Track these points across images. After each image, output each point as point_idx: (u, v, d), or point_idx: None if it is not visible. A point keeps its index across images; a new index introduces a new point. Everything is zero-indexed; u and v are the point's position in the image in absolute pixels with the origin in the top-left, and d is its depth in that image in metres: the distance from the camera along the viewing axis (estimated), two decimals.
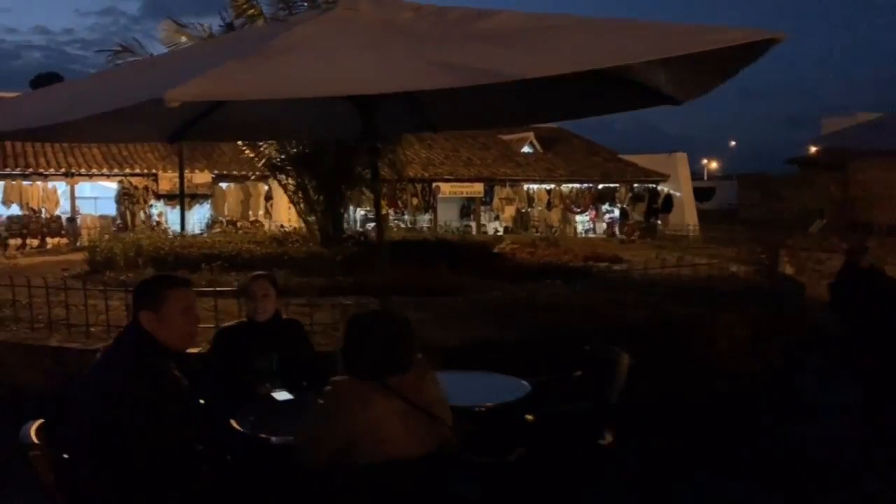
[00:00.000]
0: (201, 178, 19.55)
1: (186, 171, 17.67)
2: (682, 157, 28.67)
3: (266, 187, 21.12)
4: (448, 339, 5.10)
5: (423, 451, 2.34)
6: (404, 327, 2.51)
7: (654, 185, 27.51)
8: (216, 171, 20.31)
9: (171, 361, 2.75)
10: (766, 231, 16.45)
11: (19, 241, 17.60)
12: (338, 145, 9.91)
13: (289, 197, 11.84)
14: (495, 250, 11.30)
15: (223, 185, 20.75)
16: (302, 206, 10.95)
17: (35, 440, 2.59)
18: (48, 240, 17.99)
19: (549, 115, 3.61)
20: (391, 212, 21.91)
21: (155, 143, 20.62)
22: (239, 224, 20.25)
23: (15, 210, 18.20)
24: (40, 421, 2.76)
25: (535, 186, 25.67)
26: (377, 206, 3.78)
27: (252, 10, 9.82)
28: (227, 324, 3.73)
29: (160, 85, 1.70)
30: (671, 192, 27.49)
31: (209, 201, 20.41)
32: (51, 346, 5.40)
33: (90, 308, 6.09)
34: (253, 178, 20.23)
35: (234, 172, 20.79)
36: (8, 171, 17.73)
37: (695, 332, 5.24)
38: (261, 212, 21.28)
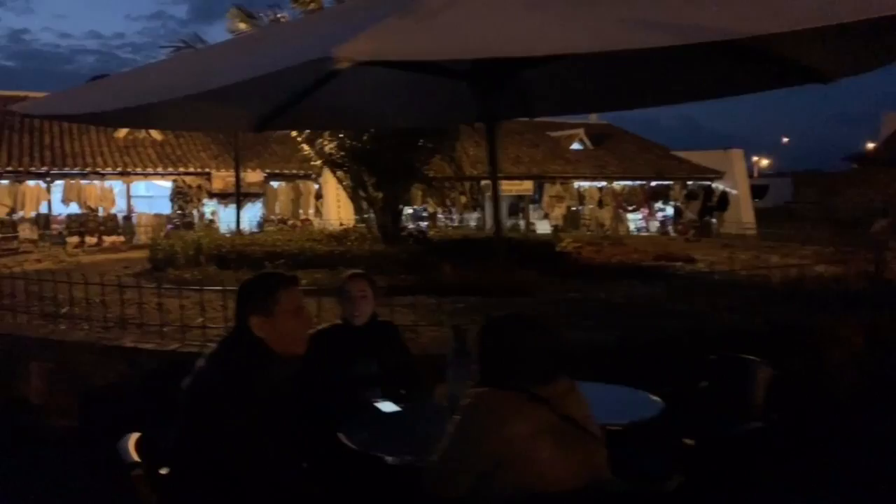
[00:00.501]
0: (253, 176, 19.58)
1: (241, 170, 17.70)
2: (738, 154, 27.78)
3: (316, 186, 21.12)
4: None
5: (577, 473, 2.03)
6: (550, 330, 2.21)
7: (708, 183, 26.69)
8: (268, 170, 20.36)
9: (282, 370, 2.51)
10: (821, 229, 15.70)
11: (77, 239, 17.88)
12: (399, 139, 9.67)
13: (347, 193, 11.66)
14: (557, 249, 10.92)
15: (274, 183, 20.80)
16: (361, 202, 10.74)
17: (136, 457, 2.36)
18: (105, 238, 18.23)
19: (674, 96, 3.27)
20: (439, 210, 21.68)
21: (208, 143, 20.80)
22: (289, 222, 20.29)
23: (74, 209, 18.50)
24: (137, 434, 2.54)
25: (585, 184, 25.13)
26: (496, 195, 3.47)
27: (313, 4, 9.64)
28: (321, 326, 3.47)
29: (318, 45, 1.42)
30: (727, 189, 26.63)
31: (261, 200, 20.47)
32: (125, 346, 5.25)
33: (158, 307, 5.95)
34: (312, 175, 20.23)
35: (285, 171, 20.83)
36: (67, 170, 18.00)
37: (817, 339, 4.81)
38: (311, 210, 21.28)
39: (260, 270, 8.63)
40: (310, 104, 3.58)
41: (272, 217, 20.39)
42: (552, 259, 9.90)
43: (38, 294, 7.19)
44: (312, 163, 11.47)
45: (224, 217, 19.42)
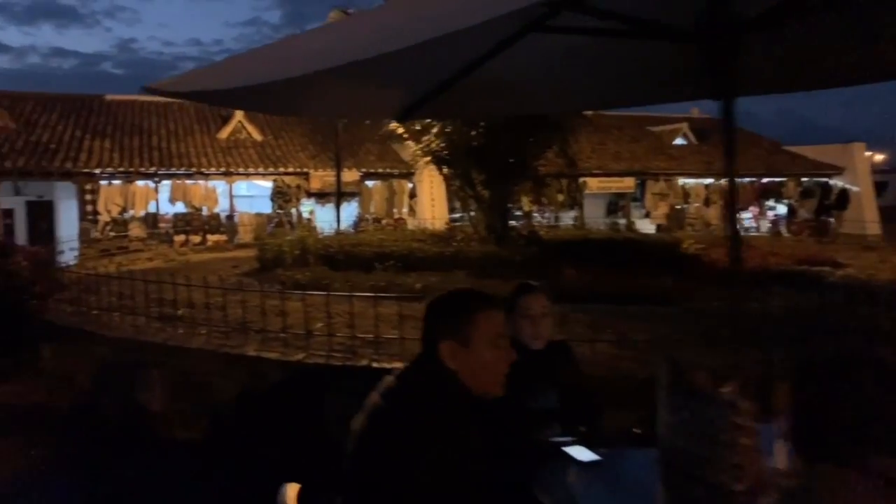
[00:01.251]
0: (350, 176, 19.53)
1: (338, 170, 17.69)
2: (859, 148, 25.62)
3: (410, 185, 20.92)
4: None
5: None
6: None
7: (825, 180, 24.75)
8: (363, 170, 20.29)
9: (474, 412, 2.02)
10: None
11: (183, 237, 18.36)
12: (513, 133, 9.12)
13: (450, 191, 11.23)
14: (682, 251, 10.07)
15: (368, 182, 20.71)
16: (468, 200, 10.28)
17: None
18: (208, 236, 18.62)
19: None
20: (534, 209, 20.97)
21: (306, 144, 20.95)
22: (383, 221, 20.17)
23: (180, 208, 19.01)
24: (297, 486, 2.11)
25: (690, 181, 23.79)
26: (732, 189, 2.86)
27: None
28: None
29: None
30: (846, 186, 24.60)
31: (356, 199, 20.43)
32: (248, 355, 4.95)
33: (280, 313, 5.66)
34: (408, 173, 20.06)
35: (379, 170, 20.72)
36: (173, 170, 18.49)
37: None
38: (405, 209, 21.08)
39: (369, 271, 8.30)
40: (468, 85, 3.08)
41: (367, 216, 20.32)
42: (677, 262, 9.10)
43: (151, 294, 7.11)
44: (420, 160, 11.09)
45: (321, 216, 19.48)
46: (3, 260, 6.58)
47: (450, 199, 20.46)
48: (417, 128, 10.08)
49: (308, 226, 18.23)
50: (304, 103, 3.08)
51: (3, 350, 6.44)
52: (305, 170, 19.82)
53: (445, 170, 10.66)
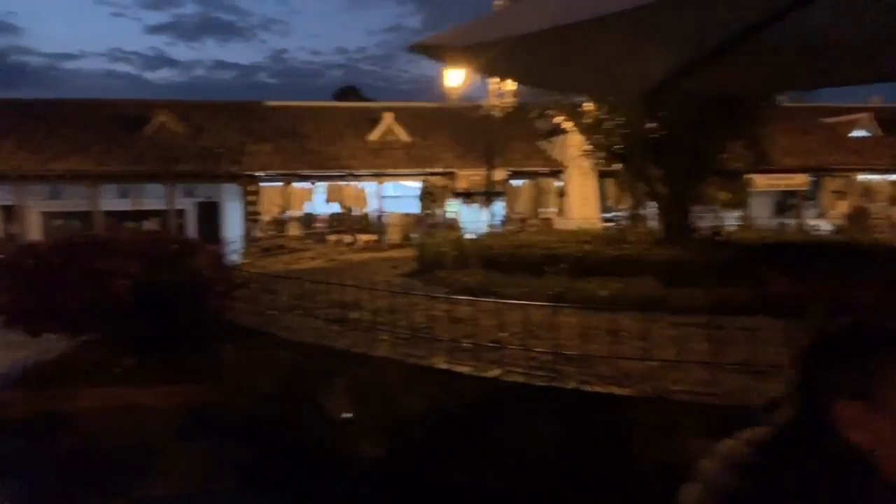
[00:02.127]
0: (497, 175, 19.11)
1: (484, 169, 17.32)
2: None
3: (557, 183, 20.22)
4: None
5: None
6: None
7: None
8: (511, 169, 19.82)
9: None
10: None
11: (335, 237, 18.78)
12: (698, 123, 8.20)
13: (626, 190, 10.43)
14: None
15: (514, 181, 20.23)
16: (641, 198, 9.46)
17: None
18: (359, 236, 18.93)
19: None
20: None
21: (452, 144, 20.80)
22: (530, 221, 19.61)
23: (332, 208, 19.52)
24: None
25: (873, 177, 21.20)
26: None
27: None
28: None
29: None
30: None
31: (502, 198, 20.01)
32: (438, 367, 4.56)
33: (445, 314, 5.25)
34: (556, 172, 19.41)
35: (525, 169, 20.19)
36: (327, 172, 18.98)
37: None
38: (551, 208, 20.42)
39: (538, 276, 7.74)
40: (757, 48, 2.41)
41: (513, 216, 19.84)
42: None
43: (323, 294, 6.97)
44: (572, 158, 10.40)
45: (466, 216, 19.25)
46: (189, 259, 6.68)
47: (602, 198, 19.54)
48: (588, 121, 9.41)
49: (454, 225, 18.04)
50: (552, 74, 2.57)
51: (187, 350, 6.52)
52: (452, 170, 19.67)
53: (616, 166, 9.89)
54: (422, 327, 5.45)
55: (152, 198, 18.90)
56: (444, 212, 19.63)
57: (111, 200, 18.53)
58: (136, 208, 19.05)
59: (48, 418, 5.49)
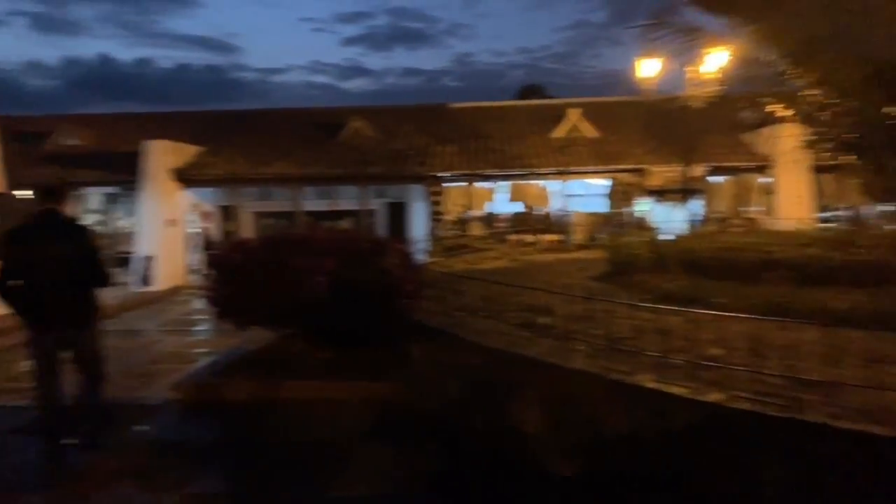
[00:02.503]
0: (693, 171, 17.72)
1: (679, 164, 16.10)
2: None
3: (763, 180, 18.29)
4: None
5: None
6: None
7: None
8: (709, 164, 18.27)
9: None
10: None
11: (516, 237, 18.54)
12: None
13: (855, 186, 9.00)
14: None
15: (714, 178, 18.64)
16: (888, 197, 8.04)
17: None
18: (541, 236, 18.53)
19: None
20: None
21: (643, 139, 19.67)
22: (732, 220, 17.93)
23: (514, 208, 19.33)
24: None
25: None
26: None
27: None
28: None
29: None
30: None
31: (699, 196, 18.52)
32: (644, 386, 4.04)
33: (645, 324, 4.66)
34: (763, 168, 17.64)
35: (726, 164, 18.50)
36: (510, 171, 18.80)
37: None
38: (754, 207, 18.55)
39: (754, 283, 6.83)
40: None
41: (713, 215, 18.28)
42: None
43: (510, 296, 6.67)
44: (819, 147, 9.09)
45: (659, 215, 18.06)
46: (380, 258, 6.72)
47: (817, 196, 17.37)
48: (810, 109, 8.17)
49: (645, 225, 16.99)
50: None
51: (377, 347, 6.55)
52: (642, 166, 18.57)
53: (845, 158, 8.50)
54: (621, 338, 4.93)
55: (347, 199, 19.98)
56: (634, 211, 18.60)
57: (311, 201, 19.85)
58: (333, 208, 20.26)
59: (252, 406, 5.74)
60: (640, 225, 17.07)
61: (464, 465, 4.58)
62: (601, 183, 19.14)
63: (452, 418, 5.31)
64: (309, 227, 16.67)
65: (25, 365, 4.75)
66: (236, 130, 21.46)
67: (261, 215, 21.32)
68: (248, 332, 6.64)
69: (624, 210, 18.64)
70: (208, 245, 19.73)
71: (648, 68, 12.88)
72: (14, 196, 14.63)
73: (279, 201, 20.27)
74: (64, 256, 4.35)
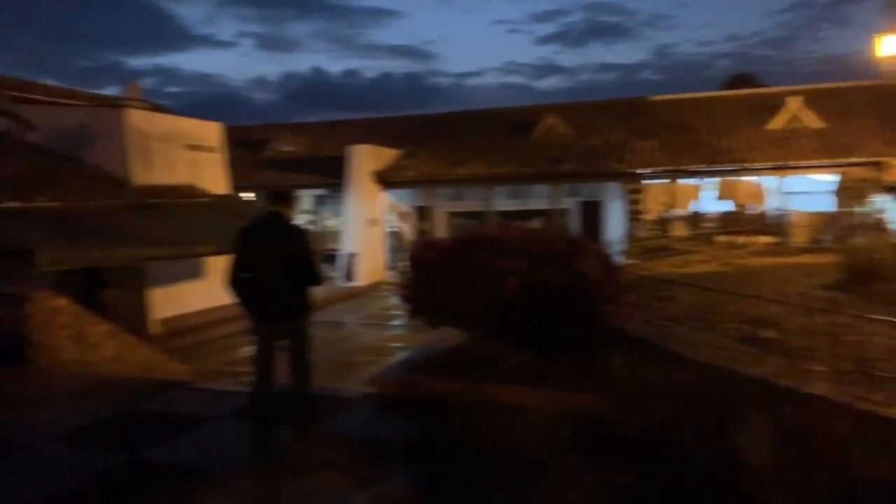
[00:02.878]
0: None
1: None
2: None
3: None
4: None
5: None
6: None
7: None
8: None
9: None
10: None
11: (724, 238, 16.97)
12: None
13: None
14: None
15: None
16: None
17: None
18: (755, 238, 16.78)
19: None
20: None
21: (879, 129, 17.07)
22: None
23: (724, 206, 17.73)
24: None
25: None
26: None
27: None
28: None
29: None
30: None
31: None
32: None
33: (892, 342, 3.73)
34: None
35: None
36: (717, 167, 17.26)
37: None
38: None
39: None
40: None
41: None
42: None
43: (726, 305, 5.90)
44: None
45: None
46: (575, 259, 6.30)
47: None
48: None
49: (883, 226, 14.67)
50: None
51: (573, 354, 6.14)
52: (879, 159, 16.09)
53: None
54: (871, 359, 4.06)
55: (537, 198, 19.67)
56: (869, 210, 16.18)
57: (502, 201, 19.83)
58: (523, 208, 20.06)
59: (445, 406, 5.63)
60: (878, 226, 14.76)
61: (672, 495, 4.03)
62: (826, 179, 16.92)
63: (661, 440, 4.75)
64: (500, 226, 16.61)
65: (244, 351, 5.09)
66: (431, 133, 22.10)
67: (453, 215, 21.75)
68: (440, 330, 6.57)
69: (856, 209, 16.28)
70: (399, 243, 20.57)
71: (891, 46, 11.03)
72: (239, 198, 16.24)
73: (471, 201, 20.52)
74: (285, 255, 4.67)
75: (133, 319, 12.22)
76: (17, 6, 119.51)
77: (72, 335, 6.26)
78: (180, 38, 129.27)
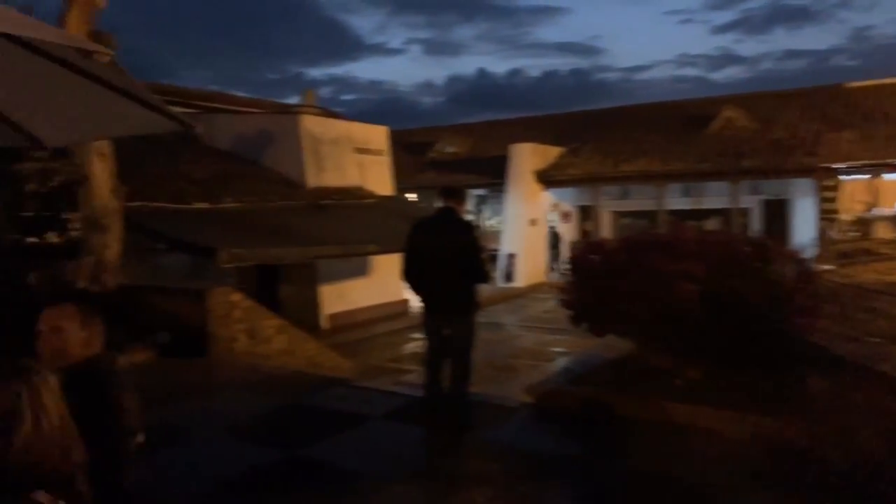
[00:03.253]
0: None
1: None
2: None
3: None
4: None
5: None
6: None
7: None
8: None
9: None
10: None
11: None
12: None
13: None
14: None
15: None
16: None
17: None
18: None
19: None
20: None
21: None
22: None
23: None
24: None
25: None
26: None
27: None
28: None
29: None
30: None
31: None
32: None
33: None
34: None
35: None
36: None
37: None
38: None
39: None
40: None
41: None
42: None
43: None
44: None
45: None
46: (763, 265, 5.55)
47: None
48: None
49: None
50: None
51: (758, 372, 5.41)
52: None
53: None
54: None
55: (713, 196, 18.20)
56: None
57: (673, 199, 18.61)
58: (697, 207, 18.68)
59: (611, 422, 5.19)
60: None
61: None
62: None
63: (870, 480, 3.99)
64: (673, 226, 15.54)
65: (406, 348, 5.09)
66: (597, 129, 21.29)
67: (619, 214, 20.83)
68: (604, 337, 6.11)
69: None
70: (556, 243, 20.05)
71: None
72: (404, 198, 16.65)
73: (639, 200, 19.52)
74: (454, 250, 4.70)
75: (306, 314, 12.90)
76: (217, 27, 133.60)
77: (246, 328, 6.59)
78: (354, 47, 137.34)
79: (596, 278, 5.36)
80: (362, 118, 15.49)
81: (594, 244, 5.66)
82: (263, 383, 5.71)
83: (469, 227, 4.87)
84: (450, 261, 4.66)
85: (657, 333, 5.35)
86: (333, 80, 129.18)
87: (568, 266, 5.59)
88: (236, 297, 6.52)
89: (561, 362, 10.75)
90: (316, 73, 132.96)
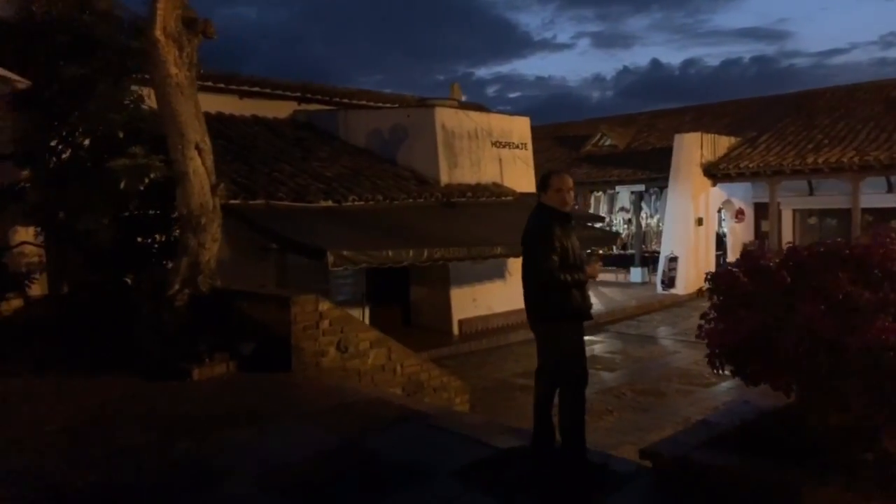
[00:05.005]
0: None
1: None
2: None
3: None
4: None
5: None
6: None
7: None
8: None
9: None
10: None
11: None
12: None
13: None
14: None
15: None
16: None
17: None
18: None
19: None
20: None
21: None
22: None
23: None
24: None
25: None
26: None
27: None
28: None
29: None
30: None
31: None
32: None
33: None
34: None
35: None
36: None
37: None
38: None
39: None
40: None
41: None
42: None
43: None
44: None
45: None
46: None
47: None
48: None
49: None
50: None
51: None
52: None
53: None
54: None
55: None
56: None
57: (872, 195, 15.68)
58: None
59: None
60: None
61: None
62: None
63: None
64: (872, 230, 12.92)
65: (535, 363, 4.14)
66: (778, 117, 18.57)
67: (804, 213, 18.05)
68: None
69: None
70: (720, 245, 17.88)
71: None
72: None
73: (828, 195, 16.76)
74: (524, 247, 4.13)
75: (436, 318, 12.24)
76: (390, 33, 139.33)
77: (335, 341, 5.92)
78: (522, 44, 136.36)
79: (747, 306, 3.95)
80: (529, 115, 14.56)
81: (748, 259, 4.22)
82: (332, 412, 4.92)
83: (531, 216, 4.11)
84: (523, 259, 4.18)
85: (839, 390, 3.83)
86: (499, 79, 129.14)
87: (708, 286, 4.19)
88: (325, 306, 5.87)
89: (723, 388, 9.07)
90: (483, 72, 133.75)
